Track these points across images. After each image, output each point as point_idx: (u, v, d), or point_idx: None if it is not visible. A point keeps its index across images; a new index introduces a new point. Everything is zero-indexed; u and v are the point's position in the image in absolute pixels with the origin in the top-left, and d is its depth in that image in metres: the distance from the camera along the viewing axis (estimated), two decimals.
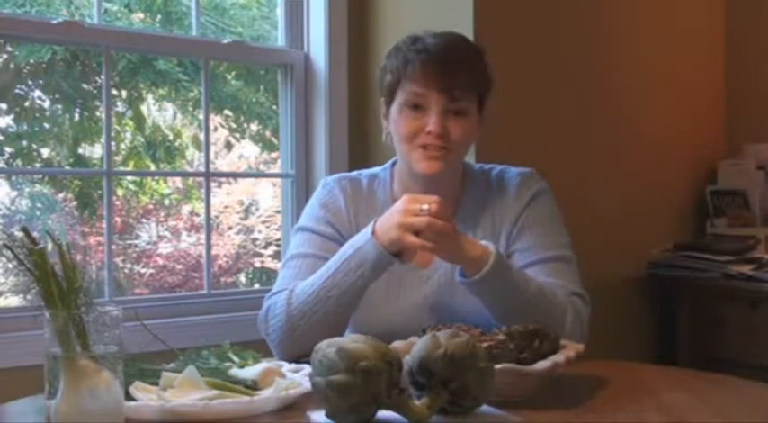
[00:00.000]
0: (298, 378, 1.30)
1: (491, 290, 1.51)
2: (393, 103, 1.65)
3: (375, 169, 1.79)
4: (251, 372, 1.29)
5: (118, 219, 2.69)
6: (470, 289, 1.52)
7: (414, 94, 1.60)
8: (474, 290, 1.52)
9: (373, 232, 1.52)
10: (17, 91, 2.32)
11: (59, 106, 2.38)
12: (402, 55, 1.63)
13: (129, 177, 2.67)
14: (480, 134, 1.71)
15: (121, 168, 2.55)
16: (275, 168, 2.76)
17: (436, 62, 1.59)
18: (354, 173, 1.81)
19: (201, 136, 2.45)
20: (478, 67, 1.65)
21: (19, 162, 2.35)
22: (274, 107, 2.64)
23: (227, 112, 2.75)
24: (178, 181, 2.79)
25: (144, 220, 2.82)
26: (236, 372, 1.30)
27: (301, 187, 2.51)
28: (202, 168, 2.42)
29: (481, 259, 1.49)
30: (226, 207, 2.96)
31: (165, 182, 2.79)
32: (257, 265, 2.98)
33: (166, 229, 2.87)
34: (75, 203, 2.52)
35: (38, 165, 2.41)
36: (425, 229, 1.46)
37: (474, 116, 1.64)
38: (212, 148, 2.52)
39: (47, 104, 2.39)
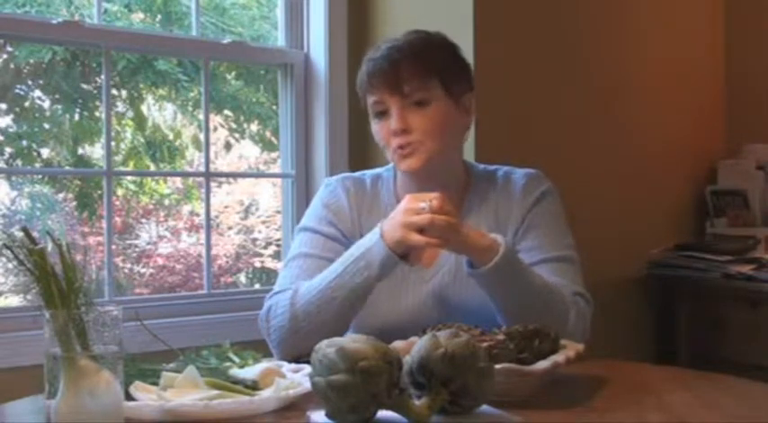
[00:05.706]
0: (298, 378, 1.30)
1: (500, 281, 1.50)
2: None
3: (379, 169, 1.80)
4: (251, 372, 1.29)
5: (118, 219, 2.69)
6: (479, 280, 1.51)
7: (374, 104, 1.66)
8: (483, 281, 1.51)
9: (381, 235, 1.52)
10: (17, 91, 2.32)
11: (59, 106, 2.38)
12: (360, 72, 1.69)
13: (129, 177, 2.67)
14: (465, 119, 1.69)
15: (121, 168, 2.55)
16: (275, 168, 2.76)
17: (379, 67, 1.63)
18: (358, 173, 1.81)
19: (201, 136, 2.45)
20: (428, 56, 1.64)
21: (19, 162, 2.35)
22: (274, 107, 2.64)
23: (227, 112, 2.76)
24: (178, 181, 2.79)
25: (144, 220, 2.82)
26: (236, 372, 1.30)
27: (301, 187, 2.51)
28: (202, 168, 2.42)
29: (491, 250, 1.48)
30: (226, 207, 2.96)
31: (165, 182, 2.79)
32: (257, 265, 2.98)
33: (166, 229, 2.87)
34: (75, 203, 2.52)
35: (38, 165, 2.41)
36: (428, 225, 1.46)
37: (440, 103, 1.63)
38: (212, 148, 2.52)
39: (47, 104, 2.39)
